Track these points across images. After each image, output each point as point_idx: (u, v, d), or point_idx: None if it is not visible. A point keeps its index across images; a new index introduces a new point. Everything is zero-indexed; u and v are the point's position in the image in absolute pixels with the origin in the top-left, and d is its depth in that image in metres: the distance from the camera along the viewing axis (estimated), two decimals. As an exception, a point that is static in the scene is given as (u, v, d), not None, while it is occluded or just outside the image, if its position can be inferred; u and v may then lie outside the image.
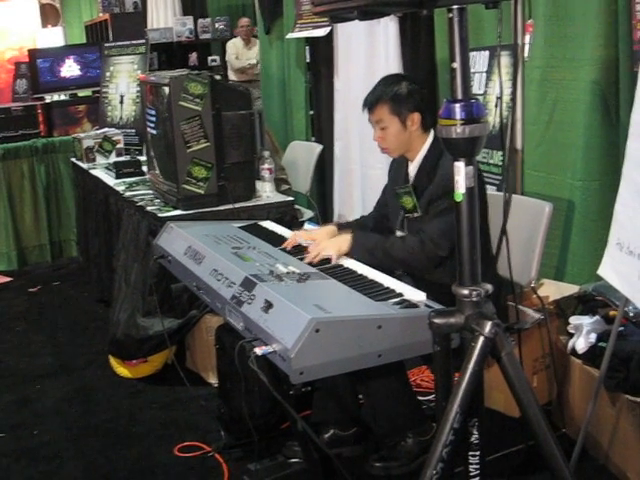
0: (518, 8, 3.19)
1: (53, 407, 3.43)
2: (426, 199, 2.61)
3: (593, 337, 2.65)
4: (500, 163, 3.51)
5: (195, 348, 3.59)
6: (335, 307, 1.91)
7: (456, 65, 1.67)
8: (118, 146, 5.01)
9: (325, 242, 2.58)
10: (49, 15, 8.83)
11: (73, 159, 5.22)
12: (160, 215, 3.39)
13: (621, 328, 2.50)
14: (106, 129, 5.31)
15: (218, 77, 3.49)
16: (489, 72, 3.60)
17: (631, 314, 2.58)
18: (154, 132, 3.65)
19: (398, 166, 2.84)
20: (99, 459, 2.96)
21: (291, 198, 3.69)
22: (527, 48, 3.22)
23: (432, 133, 2.69)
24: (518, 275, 2.69)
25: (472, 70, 3.56)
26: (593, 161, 3.01)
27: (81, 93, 6.57)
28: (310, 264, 2.44)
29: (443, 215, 2.49)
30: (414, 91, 2.64)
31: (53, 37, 8.39)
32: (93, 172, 4.67)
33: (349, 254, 2.54)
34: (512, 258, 1.97)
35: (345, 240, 2.58)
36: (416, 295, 2.09)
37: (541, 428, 1.70)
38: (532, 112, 3.31)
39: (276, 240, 2.74)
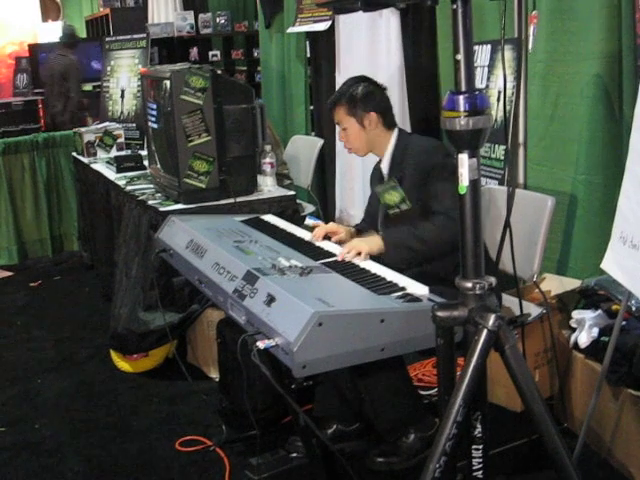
0: (522, 0, 3.18)
1: (54, 401, 3.42)
2: (407, 187, 2.62)
3: (595, 331, 2.65)
4: (502, 157, 3.50)
5: (196, 342, 3.59)
6: (338, 301, 1.90)
7: (460, 57, 1.66)
8: (119, 140, 5.00)
9: (357, 240, 2.53)
10: (49, 10, 8.81)
11: (74, 153, 5.21)
12: (161, 209, 3.38)
13: (624, 322, 2.49)
14: (107, 123, 5.31)
15: (219, 71, 3.48)
16: (491, 66, 3.58)
17: (634, 308, 2.58)
18: (155, 126, 3.64)
19: (374, 171, 2.92)
20: (100, 453, 2.95)
21: (292, 192, 3.68)
22: (531, 40, 3.21)
23: (396, 130, 2.76)
24: (520, 269, 2.69)
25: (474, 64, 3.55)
26: (596, 155, 3.01)
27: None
28: (335, 260, 2.40)
29: (446, 187, 2.47)
30: (371, 92, 2.72)
31: (53, 32, 8.39)
32: (94, 166, 4.66)
33: (383, 254, 2.48)
34: (514, 252, 1.96)
35: (375, 240, 2.52)
36: (419, 289, 2.09)
37: (545, 422, 1.69)
38: (535, 106, 3.30)
39: (278, 234, 2.73)
